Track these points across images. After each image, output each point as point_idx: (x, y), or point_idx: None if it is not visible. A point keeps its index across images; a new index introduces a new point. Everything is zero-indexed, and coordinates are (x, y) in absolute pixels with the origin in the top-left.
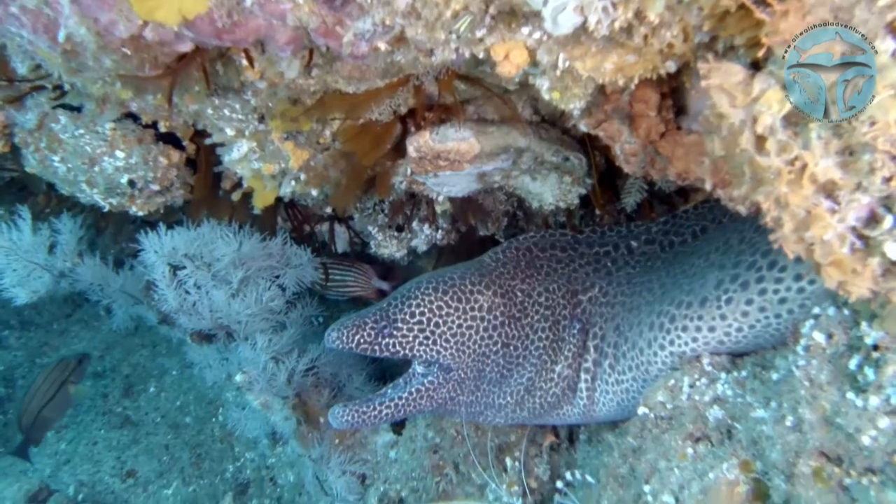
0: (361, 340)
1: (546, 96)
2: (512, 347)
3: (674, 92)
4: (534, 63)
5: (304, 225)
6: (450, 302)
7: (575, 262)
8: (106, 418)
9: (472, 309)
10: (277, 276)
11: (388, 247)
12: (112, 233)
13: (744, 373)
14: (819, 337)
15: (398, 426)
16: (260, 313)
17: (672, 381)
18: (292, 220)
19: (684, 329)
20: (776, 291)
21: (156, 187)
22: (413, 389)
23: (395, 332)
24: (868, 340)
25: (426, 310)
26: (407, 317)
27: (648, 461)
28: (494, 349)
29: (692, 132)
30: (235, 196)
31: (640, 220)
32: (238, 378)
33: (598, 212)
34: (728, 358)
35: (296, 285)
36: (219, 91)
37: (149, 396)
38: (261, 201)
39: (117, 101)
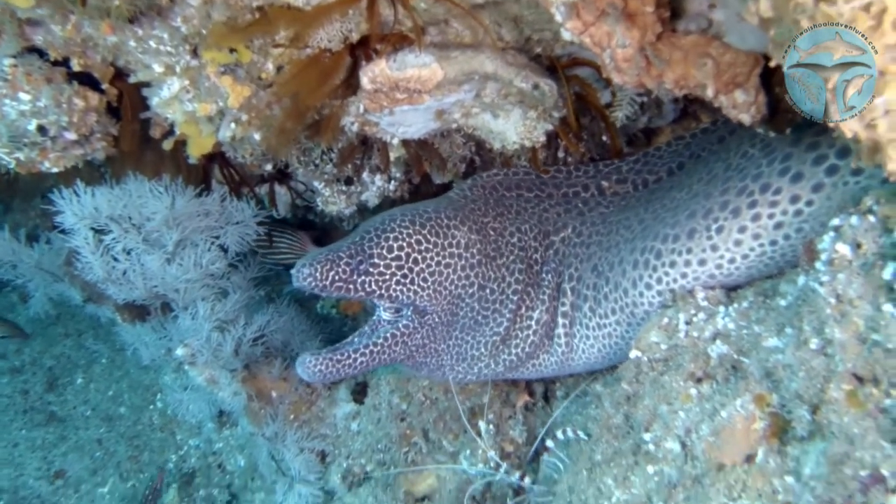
0: (336, 277)
1: None
2: (488, 290)
3: None
4: None
5: (241, 187)
6: (428, 236)
7: (544, 203)
8: (27, 416)
9: (451, 245)
10: (217, 237)
11: (336, 202)
12: (21, 207)
13: (745, 304)
14: (844, 248)
15: (360, 395)
16: (200, 279)
17: (666, 320)
18: (229, 181)
19: (672, 265)
20: (771, 216)
21: (72, 136)
22: (388, 335)
23: (370, 269)
24: None
25: (405, 244)
26: (384, 251)
27: (647, 407)
28: (470, 291)
29: (690, 33)
30: (167, 145)
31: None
32: (179, 352)
33: (568, 149)
34: (723, 291)
35: (238, 244)
36: (142, 16)
37: (76, 389)
38: (197, 148)
39: (14, 29)
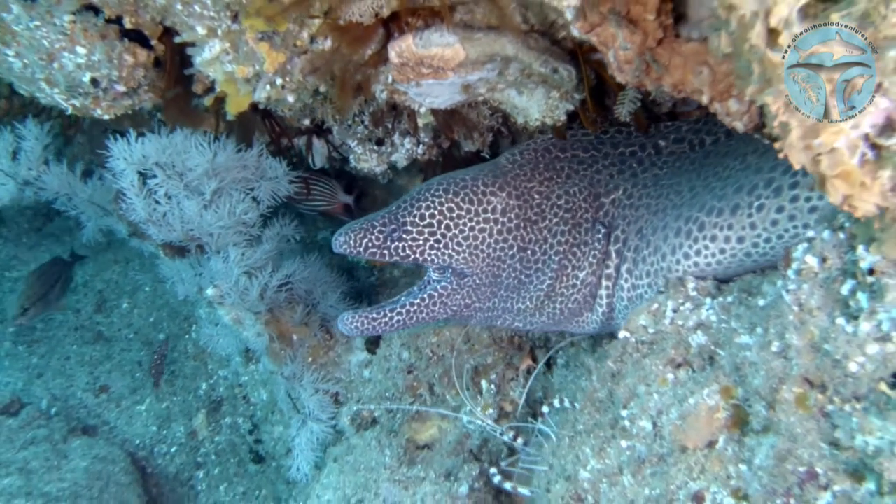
0: (370, 244)
1: None
2: (529, 252)
3: None
4: None
5: (281, 137)
6: (461, 203)
7: (598, 163)
8: (78, 333)
9: (485, 211)
10: (252, 189)
11: (368, 161)
12: (83, 142)
13: (729, 298)
14: (812, 261)
15: (373, 345)
16: (233, 226)
17: (655, 306)
18: (270, 131)
19: (713, 239)
20: (808, 199)
21: (122, 88)
22: (426, 295)
23: (404, 236)
24: (863, 265)
25: (436, 212)
26: (416, 219)
27: (627, 386)
28: (510, 253)
29: (691, 40)
30: (208, 100)
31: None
32: (209, 292)
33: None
34: (714, 283)
35: (270, 198)
36: None
37: (122, 312)
38: (234, 107)
39: None
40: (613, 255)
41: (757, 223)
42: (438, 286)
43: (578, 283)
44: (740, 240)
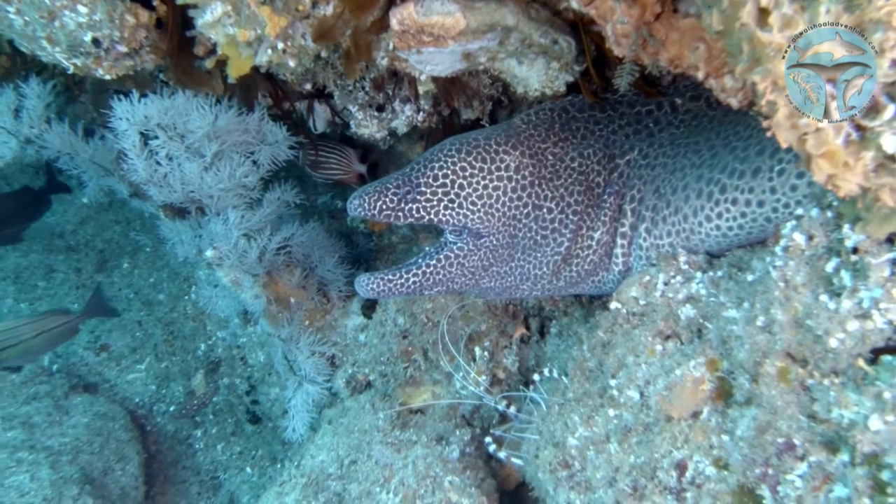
0: (384, 206)
1: None
2: (545, 210)
3: None
4: None
5: (283, 101)
6: (473, 162)
7: (615, 123)
8: (79, 292)
9: (499, 169)
10: (252, 153)
11: (368, 126)
12: (86, 101)
13: (720, 273)
14: (799, 238)
15: (369, 310)
16: (232, 188)
17: (647, 278)
18: (273, 94)
19: (734, 202)
20: None
21: (123, 48)
22: (442, 256)
23: (418, 197)
24: (848, 243)
25: (449, 171)
26: (430, 180)
27: (617, 356)
28: (525, 211)
29: (689, 16)
30: (209, 63)
31: None
32: (208, 254)
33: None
34: (705, 257)
35: (270, 163)
36: None
37: (122, 272)
38: (235, 70)
39: None
40: (629, 213)
41: (777, 187)
42: (455, 247)
43: (594, 243)
44: (761, 203)
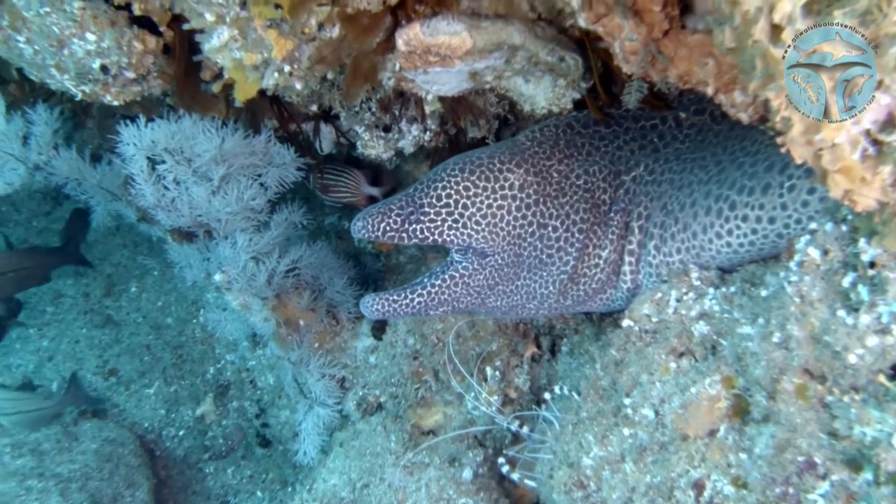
0: (388, 228)
1: None
2: (550, 228)
3: None
4: None
5: (289, 123)
6: (477, 182)
7: (619, 139)
8: (88, 317)
9: (503, 188)
10: (259, 175)
11: (374, 147)
12: (93, 127)
13: (732, 288)
14: (814, 253)
15: (379, 331)
16: (240, 211)
17: (659, 295)
18: (278, 116)
19: (744, 219)
20: None
21: (131, 74)
22: (447, 276)
23: (422, 218)
24: (865, 258)
25: (453, 192)
26: (433, 200)
27: (630, 374)
28: (530, 230)
29: (697, 31)
30: (216, 87)
31: None
32: (217, 278)
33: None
34: (717, 273)
35: (278, 185)
36: None
37: (130, 296)
38: (242, 93)
39: None
40: (636, 230)
41: (788, 204)
42: (460, 266)
43: (602, 261)
44: (771, 220)
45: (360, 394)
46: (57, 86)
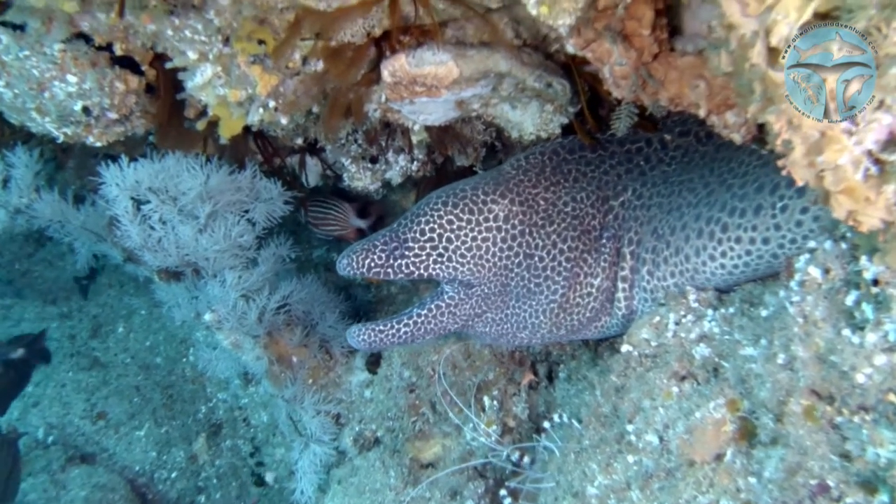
0: (372, 264)
1: (533, 12)
2: (537, 258)
3: (669, 10)
4: None
5: (274, 157)
6: (460, 215)
7: (605, 164)
8: (74, 360)
9: (487, 220)
10: (247, 211)
11: (361, 179)
12: (74, 167)
13: (731, 309)
14: (815, 272)
15: (373, 365)
16: (229, 249)
17: (657, 318)
18: (262, 151)
19: (738, 241)
20: None
21: (114, 115)
22: (433, 306)
23: (406, 253)
24: (867, 275)
25: (436, 226)
26: (417, 235)
27: (632, 400)
28: (517, 260)
29: (687, 54)
30: (200, 125)
31: None
32: (207, 317)
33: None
34: (715, 294)
35: (266, 220)
36: (178, 9)
37: (117, 337)
38: (227, 130)
39: (64, 17)
40: (628, 256)
41: (782, 224)
42: (446, 297)
43: (594, 290)
44: (765, 241)
45: (357, 429)
46: (38, 129)
